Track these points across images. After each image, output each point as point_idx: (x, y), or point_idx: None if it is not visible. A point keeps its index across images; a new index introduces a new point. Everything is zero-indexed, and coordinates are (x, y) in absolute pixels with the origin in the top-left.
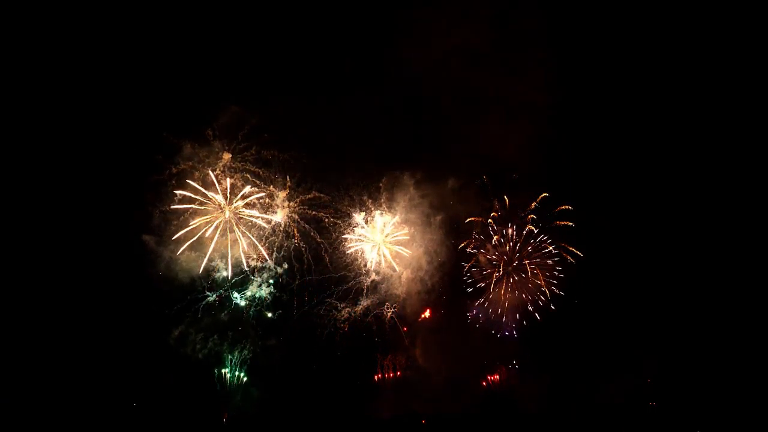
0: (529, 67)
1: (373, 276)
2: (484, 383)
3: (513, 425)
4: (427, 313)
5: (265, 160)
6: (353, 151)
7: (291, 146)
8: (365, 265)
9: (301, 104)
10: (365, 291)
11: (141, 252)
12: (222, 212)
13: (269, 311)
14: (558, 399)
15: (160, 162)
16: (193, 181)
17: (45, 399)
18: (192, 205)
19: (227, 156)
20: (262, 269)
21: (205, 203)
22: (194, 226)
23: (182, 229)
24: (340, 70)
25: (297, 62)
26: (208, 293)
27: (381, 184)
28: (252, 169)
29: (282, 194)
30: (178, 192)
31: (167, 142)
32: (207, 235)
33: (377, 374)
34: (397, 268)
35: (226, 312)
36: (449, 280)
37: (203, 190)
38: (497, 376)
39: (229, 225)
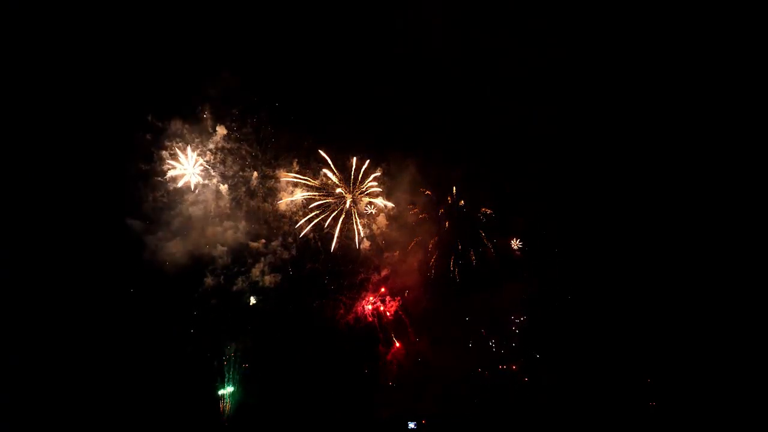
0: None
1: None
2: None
3: (513, 425)
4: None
5: (263, 139)
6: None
7: (292, 125)
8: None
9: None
10: (370, 283)
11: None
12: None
13: (270, 301)
14: (558, 399)
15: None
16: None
17: (42, 399)
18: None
19: (222, 131)
20: (264, 254)
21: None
22: None
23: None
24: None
25: (296, 37)
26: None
27: (380, 168)
28: (249, 150)
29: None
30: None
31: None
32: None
33: (379, 371)
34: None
35: (225, 301)
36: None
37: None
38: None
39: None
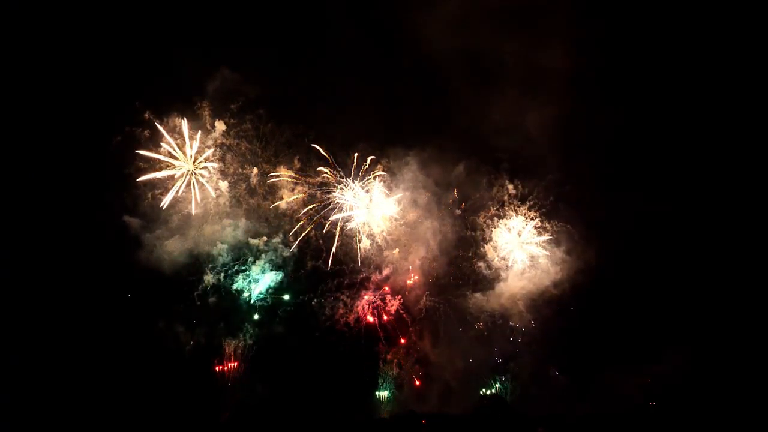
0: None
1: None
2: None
3: (512, 426)
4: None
5: (263, 136)
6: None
7: (291, 121)
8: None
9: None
10: (371, 282)
11: (128, 239)
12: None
13: (271, 300)
14: (558, 399)
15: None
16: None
17: (42, 399)
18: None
19: (221, 126)
20: (265, 252)
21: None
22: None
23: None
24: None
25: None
26: (206, 278)
27: (380, 166)
28: (248, 146)
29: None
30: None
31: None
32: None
33: (379, 371)
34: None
35: (225, 299)
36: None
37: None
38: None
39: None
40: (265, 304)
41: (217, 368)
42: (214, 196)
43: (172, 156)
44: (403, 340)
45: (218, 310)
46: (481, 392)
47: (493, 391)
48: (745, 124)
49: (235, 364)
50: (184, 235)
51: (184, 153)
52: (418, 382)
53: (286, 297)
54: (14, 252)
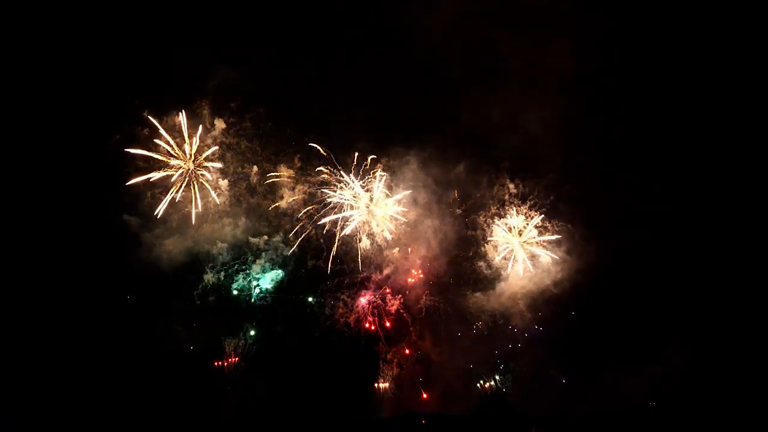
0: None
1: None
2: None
3: (512, 426)
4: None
5: (263, 134)
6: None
7: (291, 120)
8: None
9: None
10: (371, 282)
11: (127, 238)
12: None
13: (270, 298)
14: (558, 399)
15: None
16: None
17: (42, 399)
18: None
19: (220, 125)
20: (265, 251)
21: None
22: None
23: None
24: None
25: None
26: (206, 277)
27: (380, 165)
28: (248, 145)
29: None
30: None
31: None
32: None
33: (379, 370)
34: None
35: (225, 298)
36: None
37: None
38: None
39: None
40: (265, 303)
41: (217, 368)
42: (215, 196)
43: (171, 155)
44: (403, 341)
45: (218, 310)
46: (478, 384)
47: (492, 384)
48: (745, 124)
49: (236, 362)
50: (184, 234)
51: (184, 152)
52: (425, 395)
53: (310, 299)
54: (13, 251)
